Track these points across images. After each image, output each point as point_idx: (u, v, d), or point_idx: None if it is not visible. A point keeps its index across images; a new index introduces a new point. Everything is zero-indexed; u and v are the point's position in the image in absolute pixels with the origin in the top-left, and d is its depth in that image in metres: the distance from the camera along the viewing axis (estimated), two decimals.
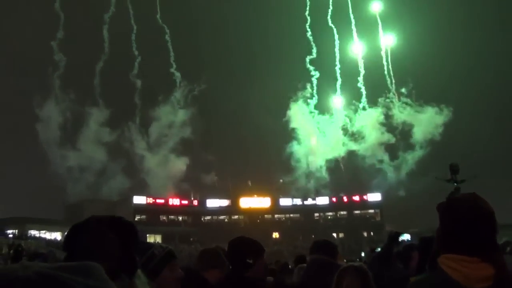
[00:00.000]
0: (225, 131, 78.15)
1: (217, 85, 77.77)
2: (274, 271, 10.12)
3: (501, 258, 2.27)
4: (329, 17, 78.48)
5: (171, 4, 76.68)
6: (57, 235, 59.56)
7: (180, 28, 77.91)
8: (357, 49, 79.81)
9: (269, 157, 78.70)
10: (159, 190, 75.09)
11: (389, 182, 75.38)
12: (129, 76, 74.55)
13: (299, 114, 79.31)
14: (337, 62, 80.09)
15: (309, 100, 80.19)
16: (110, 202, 68.27)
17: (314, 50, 79.46)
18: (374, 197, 76.88)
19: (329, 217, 79.24)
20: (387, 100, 78.63)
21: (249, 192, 78.04)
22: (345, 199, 78.09)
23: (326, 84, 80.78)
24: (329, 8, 78.03)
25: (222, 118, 78.84)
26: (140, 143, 76.29)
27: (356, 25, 79.39)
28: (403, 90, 77.59)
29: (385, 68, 78.24)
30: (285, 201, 78.67)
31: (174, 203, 75.60)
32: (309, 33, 78.95)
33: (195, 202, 77.55)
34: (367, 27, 79.52)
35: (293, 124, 79.19)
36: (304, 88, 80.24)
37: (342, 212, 78.69)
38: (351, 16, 79.00)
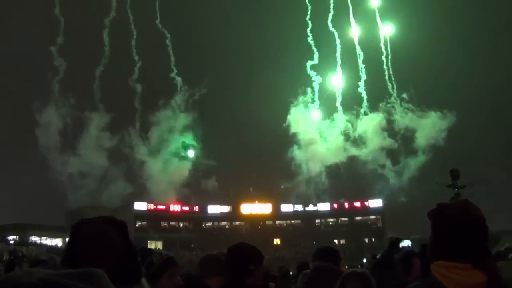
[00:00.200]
0: (226, 136, 78.16)
1: (218, 90, 77.95)
2: (276, 277, 10.09)
3: (494, 265, 2.26)
4: (329, 21, 78.76)
5: (172, 9, 76.96)
6: (58, 242, 59.49)
7: (180, 33, 78.14)
8: (357, 54, 79.88)
9: (270, 163, 78.72)
10: (160, 196, 74.96)
11: (390, 188, 75.13)
12: (130, 80, 74.60)
13: (300, 119, 79.22)
14: (338, 67, 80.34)
15: (309, 105, 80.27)
16: (111, 208, 68.12)
17: (315, 55, 79.75)
18: (375, 203, 76.70)
19: (331, 223, 79.09)
20: (389, 105, 78.64)
21: (250, 198, 77.94)
22: (346, 205, 77.92)
23: (327, 89, 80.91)
24: (329, 12, 78.28)
25: (223, 123, 78.89)
26: (141, 148, 76.19)
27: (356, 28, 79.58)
28: (404, 95, 77.56)
29: (386, 73, 78.36)
30: (286, 207, 78.56)
31: (175, 209, 75.48)
32: (310, 38, 79.11)
33: (196, 208, 77.42)
34: (368, 31, 79.59)
35: (293, 129, 79.14)
36: (305, 92, 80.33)
37: (343, 218, 78.52)
38: (352, 19, 79.23)
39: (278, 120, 78.52)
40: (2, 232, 56.27)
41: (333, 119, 79.88)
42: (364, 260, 43.32)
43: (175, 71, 77.68)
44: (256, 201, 77.88)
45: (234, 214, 77.61)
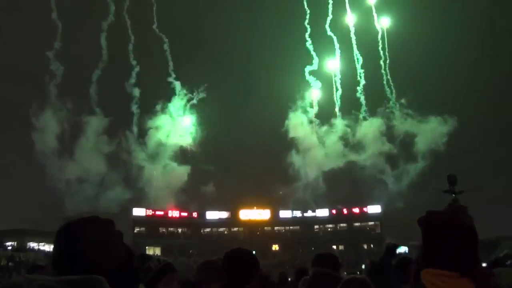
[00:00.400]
0: (224, 141, 78.14)
1: (216, 95, 77.90)
2: (274, 283, 10.06)
3: (482, 273, 2.24)
4: (327, 25, 79.05)
5: (170, 14, 77.21)
6: None
7: (178, 38, 78.30)
8: (356, 58, 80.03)
9: (268, 169, 78.54)
10: (158, 202, 74.87)
11: (389, 194, 75.05)
12: (128, 85, 74.69)
13: (298, 124, 79.22)
14: (338, 72, 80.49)
15: (308, 109, 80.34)
16: (109, 214, 67.87)
17: (314, 60, 79.97)
18: (374, 209, 76.57)
19: (329, 229, 78.92)
20: (387, 110, 78.72)
21: (249, 204, 77.85)
22: (345, 211, 77.75)
23: (325, 93, 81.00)
24: (328, 16, 78.58)
25: (221, 128, 78.80)
26: (139, 153, 76.16)
27: (355, 33, 79.74)
28: (403, 100, 77.58)
29: (384, 77, 78.56)
30: (284, 213, 78.42)
31: (174, 215, 75.34)
32: (308, 42, 79.32)
33: (195, 214, 77.27)
34: (366, 34, 79.80)
35: (292, 135, 79.15)
36: (303, 97, 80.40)
37: (342, 224, 78.37)
38: (350, 24, 79.43)
39: (276, 125, 78.72)
40: (0, 237, 56.13)
41: (331, 124, 79.99)
42: (363, 266, 43.24)
43: (173, 75, 77.90)
44: (255, 207, 77.78)
45: (232, 220, 77.48)
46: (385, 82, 78.60)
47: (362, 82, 78.93)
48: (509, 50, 75.68)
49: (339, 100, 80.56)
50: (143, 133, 76.67)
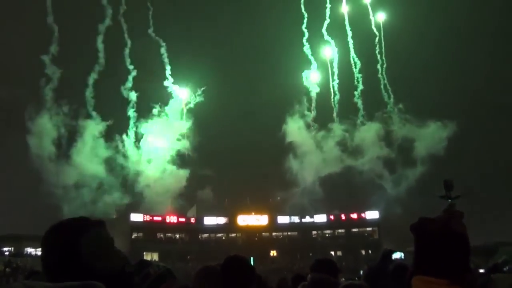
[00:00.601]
0: (221, 145, 78.09)
1: (213, 98, 77.89)
2: None
3: (473, 281, 2.24)
4: (324, 29, 79.30)
5: (167, 19, 77.48)
6: None
7: (176, 43, 78.28)
8: (354, 62, 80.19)
9: (266, 174, 78.49)
10: (156, 207, 74.69)
11: (387, 199, 74.87)
12: (124, 89, 74.68)
13: (296, 128, 79.13)
14: (335, 77, 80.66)
15: (306, 113, 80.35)
16: (107, 220, 67.33)
17: (312, 64, 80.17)
18: (372, 214, 76.47)
19: (327, 235, 78.76)
20: (385, 115, 78.82)
21: (247, 209, 77.73)
22: (342, 216, 77.67)
23: (323, 98, 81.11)
24: (325, 20, 78.83)
25: (218, 133, 78.76)
26: (136, 158, 76.05)
27: (352, 37, 80.00)
28: (401, 105, 77.78)
29: (382, 82, 78.77)
30: (282, 219, 78.26)
31: (171, 221, 75.11)
32: (306, 47, 79.52)
33: (193, 220, 77.14)
34: (364, 39, 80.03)
35: (289, 139, 79.06)
36: (301, 102, 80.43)
37: (340, 230, 78.24)
38: (348, 28, 79.67)
39: (274, 130, 78.56)
40: None
41: (329, 129, 79.99)
42: (361, 272, 43.17)
43: (170, 80, 77.93)
44: (253, 213, 77.64)
45: (230, 226, 77.28)
46: (382, 87, 78.90)
47: (360, 87, 79.25)
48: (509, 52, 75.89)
49: (336, 105, 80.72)
50: (140, 137, 76.66)
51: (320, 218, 77.84)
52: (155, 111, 77.01)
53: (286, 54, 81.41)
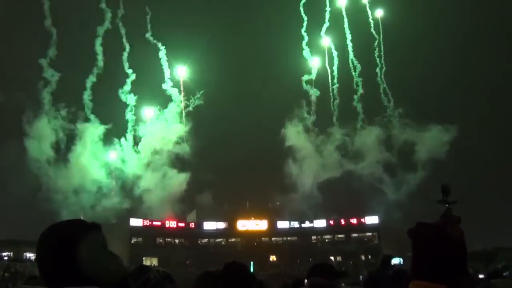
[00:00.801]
0: (220, 150, 77.97)
1: (212, 102, 77.89)
2: None
3: (470, 285, 2.24)
4: (323, 33, 79.42)
5: (166, 23, 77.58)
6: None
7: (175, 46, 78.27)
8: (354, 65, 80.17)
9: (266, 179, 78.40)
10: (155, 212, 74.44)
11: (387, 204, 74.57)
12: (123, 93, 74.55)
13: (295, 133, 78.89)
14: (335, 81, 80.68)
15: (305, 117, 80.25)
16: (106, 225, 67.09)
17: (311, 68, 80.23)
18: (371, 219, 76.36)
19: (327, 240, 78.62)
20: (385, 119, 78.74)
21: (246, 214, 77.56)
22: (342, 221, 77.61)
23: (323, 102, 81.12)
24: (324, 23, 78.96)
25: (218, 137, 78.64)
26: (134, 162, 75.84)
27: (351, 41, 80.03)
28: (400, 110, 77.72)
29: (381, 86, 78.84)
30: (282, 224, 78.11)
31: (171, 225, 74.91)
32: (305, 51, 79.60)
33: (192, 225, 77.01)
34: (363, 43, 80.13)
35: (288, 143, 78.69)
36: (300, 106, 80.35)
37: (339, 235, 78.09)
38: (347, 32, 79.77)
39: (273, 134, 78.40)
40: None
41: (329, 133, 79.81)
42: (361, 277, 43.09)
43: (169, 83, 77.87)
44: (252, 218, 77.49)
45: (230, 231, 77.13)
46: (382, 91, 78.93)
47: (360, 91, 79.25)
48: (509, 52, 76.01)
49: (336, 109, 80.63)
50: (138, 141, 76.45)
51: (320, 223, 77.74)
52: (154, 114, 77.03)
53: (286, 58, 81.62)
